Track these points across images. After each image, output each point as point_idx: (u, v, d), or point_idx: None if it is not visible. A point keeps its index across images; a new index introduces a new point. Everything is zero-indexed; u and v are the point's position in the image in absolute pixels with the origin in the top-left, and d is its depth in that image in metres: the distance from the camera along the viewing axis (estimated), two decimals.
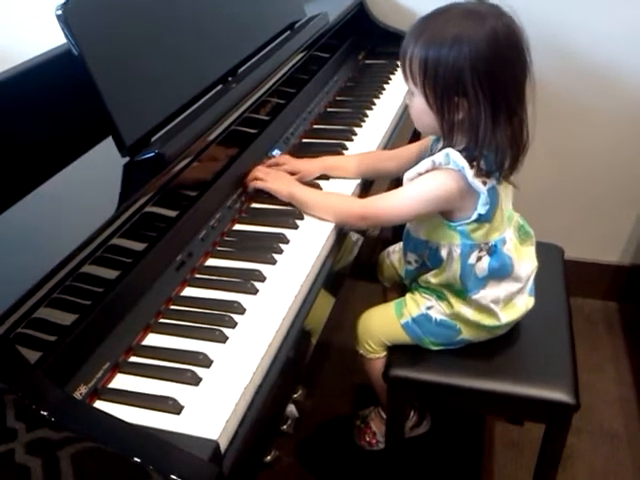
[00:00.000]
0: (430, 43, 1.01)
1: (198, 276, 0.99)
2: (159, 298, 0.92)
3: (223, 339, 0.87)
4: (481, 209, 1.06)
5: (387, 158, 1.31)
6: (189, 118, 1.05)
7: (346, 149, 1.35)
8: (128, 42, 0.99)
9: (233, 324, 0.90)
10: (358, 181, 1.26)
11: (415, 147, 1.28)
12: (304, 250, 1.05)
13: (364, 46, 1.84)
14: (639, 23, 1.69)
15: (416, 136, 1.78)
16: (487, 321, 1.17)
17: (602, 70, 1.76)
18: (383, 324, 1.24)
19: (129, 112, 0.95)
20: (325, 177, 1.26)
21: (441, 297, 1.19)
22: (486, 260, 1.12)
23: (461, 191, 1.05)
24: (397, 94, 1.60)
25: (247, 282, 0.97)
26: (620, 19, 1.69)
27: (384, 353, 1.25)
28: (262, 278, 0.98)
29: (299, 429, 1.24)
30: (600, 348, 1.92)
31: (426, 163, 1.06)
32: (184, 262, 0.98)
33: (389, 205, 1.11)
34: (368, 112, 1.51)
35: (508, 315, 1.18)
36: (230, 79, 1.20)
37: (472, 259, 1.12)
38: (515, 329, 1.24)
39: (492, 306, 1.16)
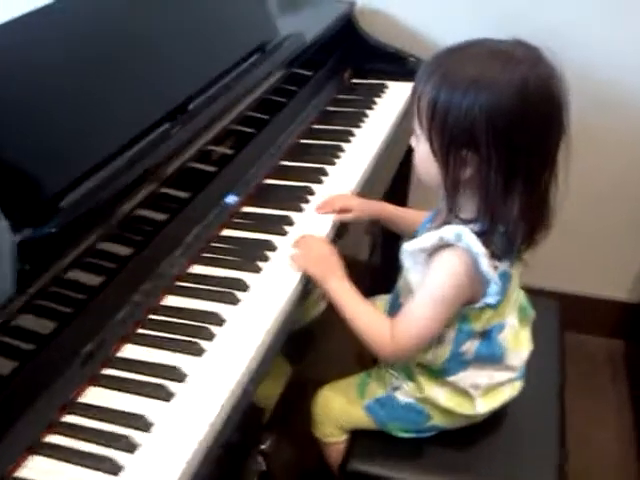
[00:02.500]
0: (443, 83, 0.85)
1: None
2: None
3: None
4: (490, 299, 0.90)
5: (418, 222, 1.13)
6: (114, 173, 0.91)
7: (312, 194, 1.19)
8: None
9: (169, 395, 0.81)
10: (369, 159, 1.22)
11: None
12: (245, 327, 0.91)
13: (351, 63, 1.67)
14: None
15: (400, 182, 1.63)
16: (461, 408, 1.01)
17: (608, 92, 1.59)
18: (343, 405, 1.09)
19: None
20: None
21: (409, 377, 1.04)
22: (475, 344, 0.97)
23: (470, 277, 0.88)
24: (381, 124, 1.43)
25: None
26: (629, 37, 1.52)
27: (344, 437, 1.10)
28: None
29: None
30: (602, 396, 1.78)
31: (431, 238, 0.89)
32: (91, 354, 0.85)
33: (415, 330, 0.93)
34: (345, 146, 1.34)
35: (488, 403, 1.02)
36: (177, 119, 1.05)
37: (465, 347, 0.96)
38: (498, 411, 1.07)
39: (470, 391, 1.00)
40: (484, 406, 1.02)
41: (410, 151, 1.68)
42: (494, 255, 0.88)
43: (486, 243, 0.87)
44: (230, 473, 1.05)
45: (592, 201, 1.75)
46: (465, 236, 0.86)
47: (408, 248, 0.94)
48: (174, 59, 1.10)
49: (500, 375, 1.01)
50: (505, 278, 0.92)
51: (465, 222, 0.89)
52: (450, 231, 0.88)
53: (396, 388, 1.05)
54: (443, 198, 0.99)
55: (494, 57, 0.84)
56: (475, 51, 0.86)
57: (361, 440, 1.07)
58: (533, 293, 1.12)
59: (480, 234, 0.87)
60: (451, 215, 0.90)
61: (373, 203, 1.19)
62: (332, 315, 1.20)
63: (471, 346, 0.97)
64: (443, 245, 0.89)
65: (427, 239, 0.90)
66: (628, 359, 1.88)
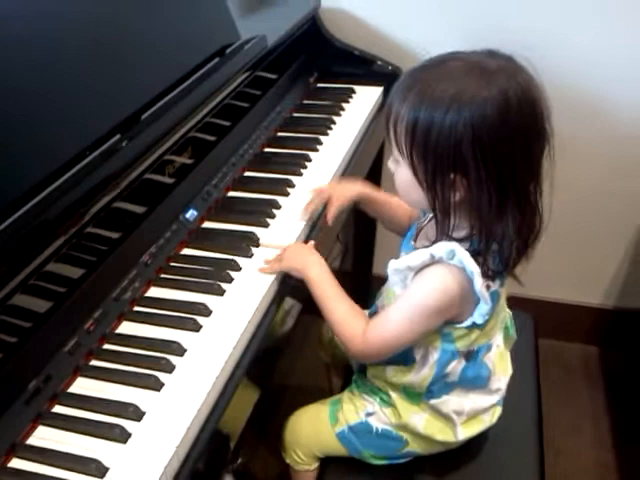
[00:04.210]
0: (421, 102, 0.78)
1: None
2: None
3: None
4: (478, 318, 0.86)
5: (402, 207, 1.10)
6: (60, 189, 0.82)
7: (278, 207, 1.12)
8: None
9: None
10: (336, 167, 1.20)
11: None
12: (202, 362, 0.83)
13: (317, 66, 1.60)
14: (628, 51, 1.48)
15: None
16: (440, 436, 0.96)
17: (586, 100, 1.56)
18: (314, 432, 1.03)
19: None
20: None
21: (385, 402, 0.98)
22: (460, 366, 0.91)
23: (462, 295, 0.83)
24: (349, 130, 1.37)
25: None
26: (609, 46, 1.49)
27: (316, 465, 1.04)
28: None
29: None
30: (578, 402, 1.76)
31: (421, 255, 0.84)
32: (38, 390, 0.77)
33: (389, 334, 0.88)
34: (312, 154, 1.27)
35: (468, 431, 0.97)
36: (129, 130, 0.97)
37: (449, 368, 0.91)
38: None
39: (453, 417, 0.95)
40: (464, 433, 0.96)
41: (379, 159, 1.66)
42: (486, 275, 0.83)
43: (480, 262, 0.82)
44: None
45: (566, 208, 1.72)
46: (458, 253, 0.81)
47: (395, 266, 0.88)
48: (126, 66, 1.02)
49: (483, 400, 0.96)
50: (495, 297, 0.88)
51: (457, 241, 0.83)
52: (441, 248, 0.82)
53: (370, 414, 0.99)
54: (425, 219, 0.95)
55: (471, 71, 0.78)
56: (450, 67, 0.80)
57: (332, 467, 1.02)
58: (507, 300, 1.07)
59: (474, 253, 0.82)
60: (442, 235, 0.84)
61: (351, 185, 1.12)
62: (299, 333, 1.14)
63: (457, 367, 0.92)
64: (434, 262, 0.83)
65: (416, 257, 0.84)
66: (603, 365, 1.86)
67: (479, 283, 0.82)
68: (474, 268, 0.81)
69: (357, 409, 1.00)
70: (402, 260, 0.87)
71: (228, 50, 1.26)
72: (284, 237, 1.05)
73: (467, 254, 0.81)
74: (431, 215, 0.93)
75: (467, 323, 0.87)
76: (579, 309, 1.87)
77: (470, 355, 0.91)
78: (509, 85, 0.77)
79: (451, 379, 0.92)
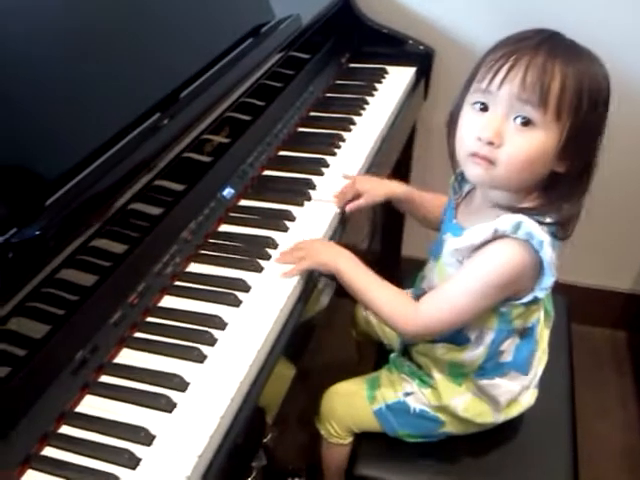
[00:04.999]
0: (586, 70, 0.78)
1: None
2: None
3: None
4: (540, 292, 0.84)
5: (437, 203, 1.08)
6: (103, 168, 0.84)
7: (313, 187, 1.13)
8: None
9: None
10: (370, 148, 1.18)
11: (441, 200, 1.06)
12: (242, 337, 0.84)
13: (349, 47, 1.60)
14: None
15: (402, 170, 1.56)
16: (480, 419, 0.96)
17: (632, 86, 1.53)
18: (351, 407, 1.04)
19: None
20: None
21: (425, 383, 0.98)
22: (514, 344, 0.91)
23: (526, 271, 0.81)
24: (382, 111, 1.37)
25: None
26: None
27: (349, 439, 1.05)
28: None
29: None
30: (606, 387, 1.75)
31: (483, 231, 0.81)
32: (85, 360, 0.79)
33: (449, 311, 0.85)
34: (345, 135, 1.27)
35: (507, 413, 0.97)
36: (168, 108, 0.98)
37: (504, 346, 0.90)
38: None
39: (501, 400, 0.95)
40: (503, 416, 0.97)
41: (410, 140, 1.65)
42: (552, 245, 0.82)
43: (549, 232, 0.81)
44: (236, 471, 1.01)
45: (595, 192, 1.71)
46: (525, 225, 0.79)
47: (456, 245, 0.86)
48: (163, 46, 1.03)
49: (526, 379, 0.96)
50: (553, 267, 0.85)
51: (523, 212, 0.82)
52: (507, 222, 0.80)
53: (409, 394, 1.00)
54: (460, 195, 0.94)
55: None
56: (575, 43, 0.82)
57: (367, 443, 1.03)
58: None
59: (542, 223, 0.81)
60: (508, 207, 0.83)
61: (385, 184, 1.10)
62: (335, 312, 1.15)
63: (511, 345, 0.91)
64: (497, 237, 0.81)
65: (478, 234, 0.82)
66: (632, 350, 1.85)
67: (548, 253, 0.80)
68: (544, 237, 0.79)
69: (395, 389, 1.01)
70: (463, 238, 0.85)
71: (263, 30, 1.26)
72: (318, 216, 1.06)
73: (536, 224, 0.80)
74: (467, 189, 0.93)
75: (528, 298, 0.84)
76: (608, 294, 1.86)
77: (525, 332, 0.91)
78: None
79: (504, 358, 0.92)
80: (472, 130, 0.81)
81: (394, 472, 0.99)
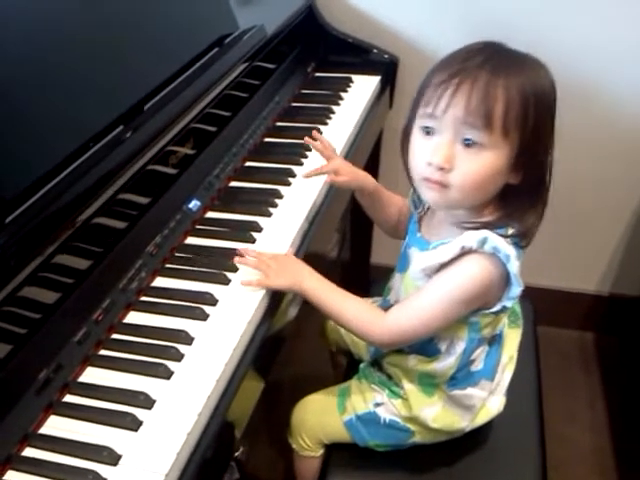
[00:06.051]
0: (530, 82, 0.78)
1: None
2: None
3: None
4: (508, 302, 0.85)
5: (393, 202, 1.09)
6: (65, 182, 0.82)
7: (280, 197, 1.12)
8: None
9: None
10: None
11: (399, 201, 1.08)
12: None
13: (314, 56, 1.61)
14: (618, 35, 1.50)
15: None
16: (449, 428, 0.96)
17: (583, 87, 1.56)
18: (322, 419, 1.04)
19: None
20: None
21: (395, 394, 0.98)
22: (484, 352, 0.92)
23: (493, 284, 0.83)
24: (347, 120, 1.38)
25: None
26: (603, 30, 1.50)
27: (321, 452, 1.05)
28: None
29: None
30: (575, 389, 1.78)
31: (450, 249, 0.82)
32: (48, 380, 0.77)
33: (419, 321, 0.86)
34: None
35: (476, 422, 0.98)
36: (133, 120, 0.97)
37: (475, 355, 0.92)
38: None
39: (472, 410, 0.96)
40: (472, 425, 0.98)
41: (377, 149, 1.66)
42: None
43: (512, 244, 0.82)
44: None
45: (561, 195, 1.74)
46: (490, 240, 0.80)
47: (424, 265, 0.86)
48: (126, 57, 1.02)
49: (493, 385, 0.97)
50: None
51: (486, 226, 0.82)
52: (472, 238, 0.81)
53: (379, 404, 1.00)
54: (422, 209, 0.94)
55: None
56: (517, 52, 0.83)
57: (337, 454, 1.03)
58: None
59: (505, 236, 0.82)
60: (468, 224, 0.84)
61: (359, 172, 1.08)
62: (302, 320, 1.14)
63: (481, 354, 0.92)
64: (464, 253, 0.82)
65: (445, 252, 0.83)
66: (599, 351, 1.88)
67: (515, 266, 0.81)
68: (510, 251, 0.80)
69: (365, 398, 1.01)
70: (430, 257, 0.85)
71: (227, 40, 1.26)
72: (285, 228, 1.05)
73: (500, 239, 0.81)
74: (426, 210, 0.94)
75: (497, 308, 0.85)
76: (575, 296, 1.88)
77: (493, 339, 0.92)
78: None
79: (475, 367, 0.93)
80: (422, 155, 0.82)
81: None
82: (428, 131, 0.81)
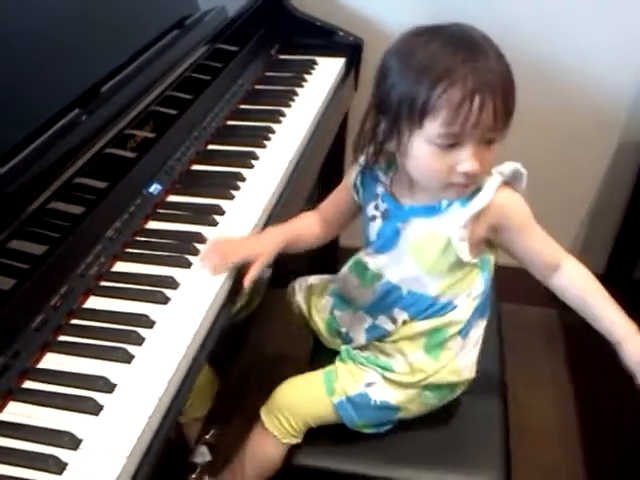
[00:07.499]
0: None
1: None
2: None
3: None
4: None
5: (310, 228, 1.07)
6: (20, 165, 0.81)
7: (243, 180, 1.12)
8: None
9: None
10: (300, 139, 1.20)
11: (339, 204, 1.06)
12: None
13: (278, 38, 1.59)
14: (580, 17, 1.51)
15: (330, 163, 1.56)
16: (457, 377, 1.00)
17: (540, 67, 1.58)
18: (310, 401, 1.01)
19: None
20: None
21: (387, 369, 0.98)
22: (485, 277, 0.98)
23: None
24: (311, 103, 1.37)
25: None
26: (560, 12, 1.51)
27: (300, 439, 1.01)
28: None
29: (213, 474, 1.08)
30: (539, 362, 1.81)
31: (489, 188, 0.88)
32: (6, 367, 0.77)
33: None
34: (275, 127, 1.27)
35: (464, 374, 1.02)
36: (89, 103, 0.96)
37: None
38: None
39: (477, 345, 1.03)
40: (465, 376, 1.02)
41: (342, 131, 1.66)
42: None
43: None
44: (172, 470, 1.00)
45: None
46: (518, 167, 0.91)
47: (461, 222, 0.88)
48: (83, 39, 1.00)
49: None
50: None
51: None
52: (505, 169, 0.91)
53: (370, 384, 0.99)
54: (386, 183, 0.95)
55: None
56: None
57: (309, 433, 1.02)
58: None
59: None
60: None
61: (270, 238, 1.00)
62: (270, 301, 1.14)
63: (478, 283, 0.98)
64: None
65: (485, 194, 0.88)
66: (563, 328, 1.92)
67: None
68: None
69: (355, 379, 1.00)
70: (469, 210, 0.88)
71: (187, 22, 1.24)
72: (248, 209, 1.05)
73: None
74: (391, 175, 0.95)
75: None
76: None
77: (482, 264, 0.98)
78: None
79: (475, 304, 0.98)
80: (443, 164, 0.83)
81: (335, 460, 1.00)
82: (449, 144, 0.82)
